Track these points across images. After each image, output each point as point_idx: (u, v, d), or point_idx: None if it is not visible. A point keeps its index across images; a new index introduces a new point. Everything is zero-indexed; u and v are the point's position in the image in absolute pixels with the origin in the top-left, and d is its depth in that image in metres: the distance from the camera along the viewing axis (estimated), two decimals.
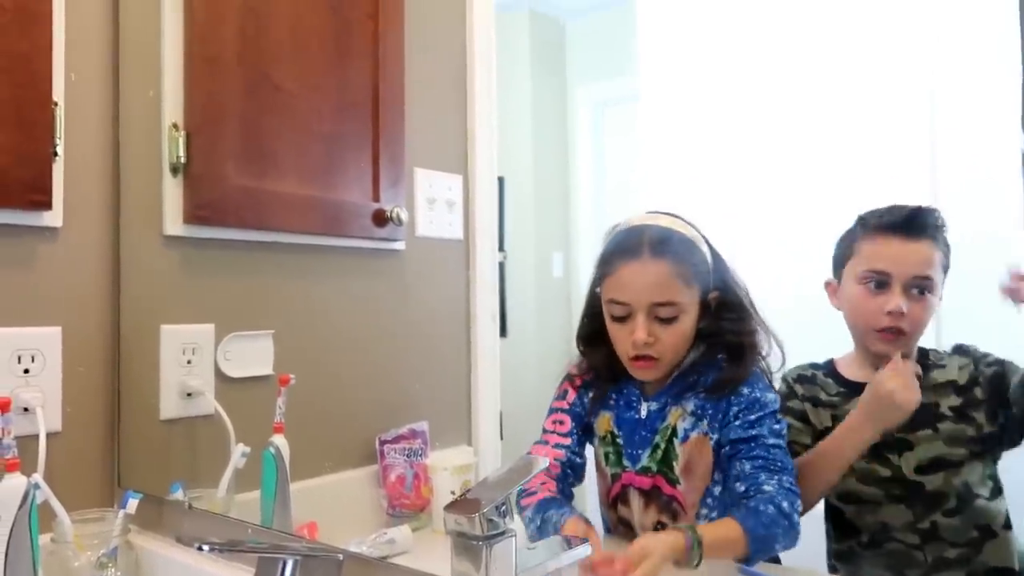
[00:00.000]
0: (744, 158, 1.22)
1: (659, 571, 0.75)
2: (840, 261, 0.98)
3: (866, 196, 1.07)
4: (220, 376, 1.06)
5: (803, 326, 1.02)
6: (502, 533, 0.68)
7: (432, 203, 1.25)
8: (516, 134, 1.78)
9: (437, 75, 1.28)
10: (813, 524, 0.97)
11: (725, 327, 0.90)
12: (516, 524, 0.71)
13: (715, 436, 0.89)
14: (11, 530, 0.82)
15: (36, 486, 0.86)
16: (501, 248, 1.35)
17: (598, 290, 0.93)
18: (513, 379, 1.41)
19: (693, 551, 0.77)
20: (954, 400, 0.93)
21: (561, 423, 0.97)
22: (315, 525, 0.97)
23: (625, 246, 0.90)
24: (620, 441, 0.95)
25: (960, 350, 0.95)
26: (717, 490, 0.89)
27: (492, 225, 1.29)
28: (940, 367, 0.95)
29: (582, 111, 1.66)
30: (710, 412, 0.89)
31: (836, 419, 0.98)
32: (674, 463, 0.89)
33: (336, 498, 1.08)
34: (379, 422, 1.14)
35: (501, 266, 1.35)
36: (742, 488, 0.85)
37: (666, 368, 0.90)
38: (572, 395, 0.98)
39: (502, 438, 1.26)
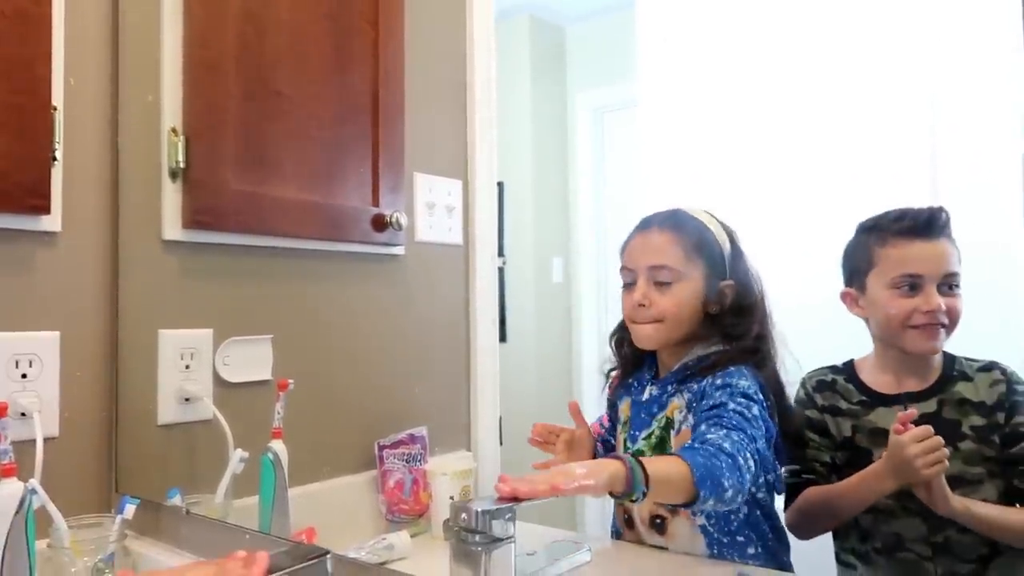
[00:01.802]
0: (743, 162, 1.21)
1: (578, 482, 0.67)
2: (859, 271, 0.99)
3: (866, 200, 1.07)
4: (219, 381, 1.06)
5: (801, 327, 1.02)
6: (502, 539, 0.68)
7: (432, 208, 1.24)
8: (516, 139, 1.78)
9: (437, 80, 1.28)
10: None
11: (734, 323, 0.92)
12: (517, 531, 0.70)
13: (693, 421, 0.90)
14: (7, 536, 0.82)
15: (33, 491, 0.85)
16: (501, 253, 1.35)
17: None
18: (513, 384, 1.41)
19: (636, 477, 0.70)
20: (976, 420, 0.93)
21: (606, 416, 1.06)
22: (313, 530, 0.96)
23: (639, 224, 0.99)
24: (630, 425, 0.98)
25: (994, 367, 0.95)
26: None
27: (492, 230, 1.29)
28: (967, 380, 0.95)
29: (582, 116, 1.66)
30: (694, 405, 0.91)
31: (856, 429, 0.99)
32: (667, 453, 0.90)
33: (335, 503, 1.07)
34: (378, 427, 1.13)
35: (501, 271, 1.35)
36: (689, 442, 0.83)
37: (666, 333, 0.93)
38: (610, 393, 1.05)
39: (502, 443, 1.26)
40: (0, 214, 1.00)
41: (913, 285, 0.93)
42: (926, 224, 0.94)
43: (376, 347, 1.18)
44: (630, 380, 1.01)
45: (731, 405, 0.85)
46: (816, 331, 1.08)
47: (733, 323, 0.92)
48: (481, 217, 1.28)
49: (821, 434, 1.01)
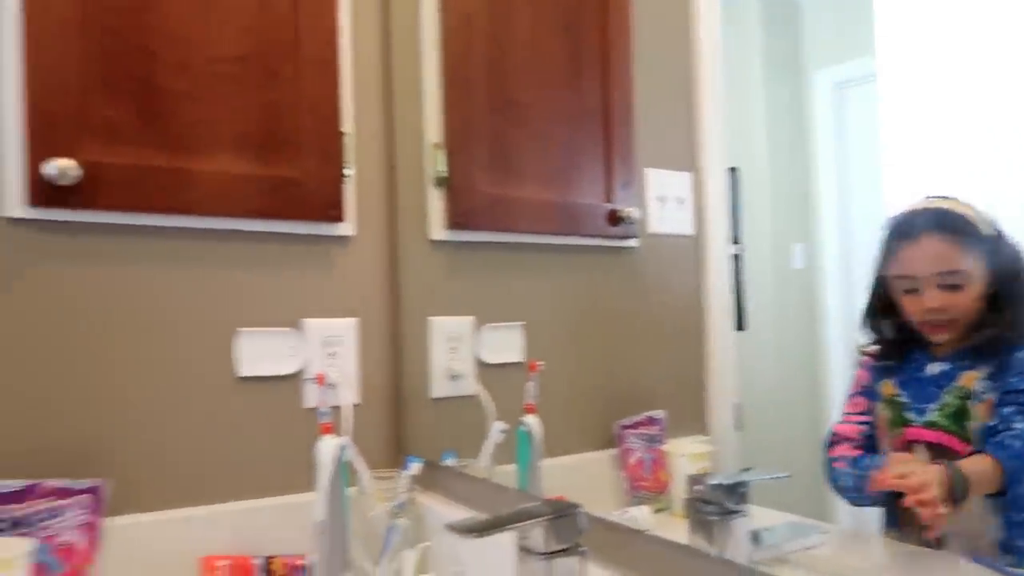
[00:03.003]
0: (994, 141, 1.10)
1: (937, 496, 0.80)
2: None
3: None
4: (479, 362, 1.20)
5: None
6: (737, 512, 0.72)
7: (663, 201, 1.28)
8: (749, 122, 1.73)
9: (664, 74, 1.31)
10: None
11: (1010, 303, 0.91)
12: (752, 509, 0.74)
13: (996, 397, 0.88)
14: (330, 481, 1.02)
15: (344, 447, 1.06)
16: (737, 241, 1.34)
17: (882, 273, 1.00)
18: (754, 372, 1.39)
19: (956, 484, 0.80)
20: None
21: (856, 404, 1.06)
22: (563, 499, 1.06)
23: (902, 230, 0.99)
24: (901, 400, 0.99)
25: None
26: None
27: (723, 219, 1.29)
28: None
29: (820, 93, 1.57)
30: (995, 373, 0.89)
31: None
32: (967, 423, 0.91)
33: (580, 476, 1.15)
34: (618, 409, 1.19)
35: (737, 259, 1.35)
36: (993, 426, 0.84)
37: (960, 328, 0.94)
38: (864, 377, 1.06)
39: (740, 429, 1.26)
40: (310, 222, 1.24)
41: None
42: None
43: (614, 333, 1.24)
44: (891, 363, 1.02)
45: None
46: None
47: (1011, 303, 0.90)
48: (712, 206, 1.29)
49: None
